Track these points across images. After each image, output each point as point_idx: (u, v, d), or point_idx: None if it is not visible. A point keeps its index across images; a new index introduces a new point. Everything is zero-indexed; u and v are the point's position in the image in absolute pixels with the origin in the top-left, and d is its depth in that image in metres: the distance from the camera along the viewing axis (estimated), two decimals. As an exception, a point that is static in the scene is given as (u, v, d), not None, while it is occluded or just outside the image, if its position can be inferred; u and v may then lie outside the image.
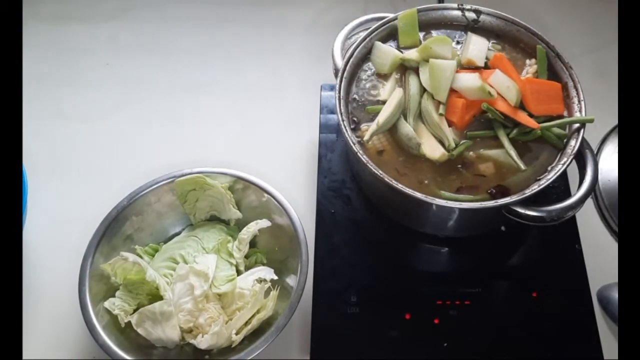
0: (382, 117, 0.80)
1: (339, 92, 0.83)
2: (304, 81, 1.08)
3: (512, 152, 0.78)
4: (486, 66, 0.84)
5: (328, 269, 0.85)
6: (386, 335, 0.79)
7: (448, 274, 0.87)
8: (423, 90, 0.82)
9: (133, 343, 0.76)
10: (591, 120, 0.78)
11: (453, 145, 0.78)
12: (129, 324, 0.76)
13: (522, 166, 0.77)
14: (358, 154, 0.77)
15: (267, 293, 0.79)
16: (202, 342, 0.75)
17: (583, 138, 0.77)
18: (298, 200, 0.87)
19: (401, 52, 0.87)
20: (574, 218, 0.88)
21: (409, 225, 0.87)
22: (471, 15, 0.91)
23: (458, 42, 0.89)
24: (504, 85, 0.80)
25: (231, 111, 1.06)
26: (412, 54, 0.85)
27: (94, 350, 0.78)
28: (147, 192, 0.85)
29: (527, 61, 0.87)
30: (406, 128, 0.80)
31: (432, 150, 0.78)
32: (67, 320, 0.83)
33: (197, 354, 0.77)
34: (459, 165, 0.78)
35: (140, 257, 0.81)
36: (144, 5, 1.22)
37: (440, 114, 0.79)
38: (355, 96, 0.85)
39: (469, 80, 0.79)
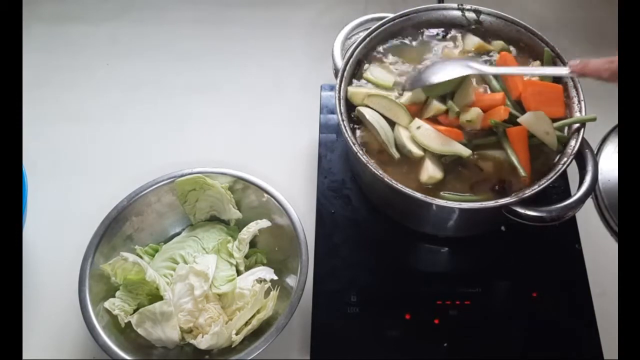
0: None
1: (339, 92, 0.83)
2: (304, 81, 1.08)
3: (514, 158, 0.77)
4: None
5: (328, 269, 0.85)
6: (386, 335, 0.79)
7: (448, 274, 0.87)
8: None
9: (133, 343, 0.76)
10: (593, 119, 0.78)
11: (469, 152, 0.77)
12: (129, 324, 0.76)
13: (522, 172, 0.76)
14: (358, 154, 0.77)
15: (267, 293, 0.79)
16: (202, 342, 0.75)
17: (583, 138, 0.77)
18: (298, 200, 0.87)
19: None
20: (574, 218, 0.88)
21: (409, 225, 0.87)
22: (471, 15, 0.91)
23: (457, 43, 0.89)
24: (542, 131, 0.77)
25: (231, 111, 1.06)
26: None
27: (94, 350, 0.78)
28: (147, 192, 0.85)
29: (531, 62, 0.87)
30: (397, 139, 0.80)
31: (423, 173, 0.78)
32: (67, 320, 0.83)
33: (197, 354, 0.77)
34: (459, 167, 0.78)
35: (140, 257, 0.81)
36: (144, 5, 1.22)
37: (455, 112, 0.79)
38: (355, 96, 0.85)
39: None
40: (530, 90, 0.80)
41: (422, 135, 0.79)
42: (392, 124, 0.81)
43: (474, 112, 0.78)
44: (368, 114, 0.81)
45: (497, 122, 0.78)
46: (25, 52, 1.01)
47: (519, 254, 0.87)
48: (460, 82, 0.81)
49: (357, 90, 0.84)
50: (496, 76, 0.84)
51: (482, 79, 0.85)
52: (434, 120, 0.81)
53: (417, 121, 0.80)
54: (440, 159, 0.78)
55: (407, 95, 0.83)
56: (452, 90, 0.81)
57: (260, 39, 1.16)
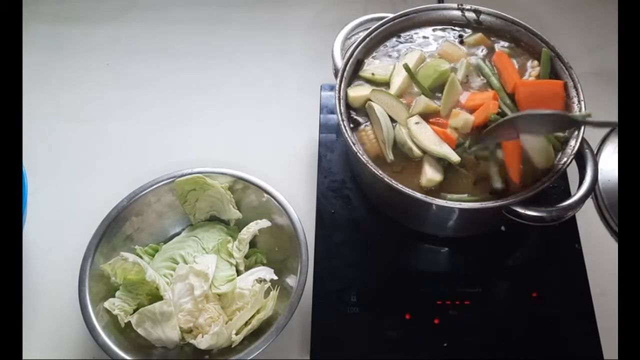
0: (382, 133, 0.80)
1: (339, 92, 0.83)
2: (304, 81, 1.08)
3: (492, 167, 0.77)
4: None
5: (328, 269, 0.85)
6: (386, 335, 0.79)
7: (448, 274, 0.87)
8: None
9: (133, 343, 0.76)
10: (588, 116, 0.77)
11: (458, 159, 0.77)
12: (129, 324, 0.76)
13: (499, 184, 0.76)
14: (358, 154, 0.77)
15: (267, 293, 0.79)
16: (202, 342, 0.75)
17: (583, 138, 0.77)
18: (298, 200, 0.87)
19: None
20: (574, 218, 0.88)
21: (409, 225, 0.87)
22: (471, 15, 0.91)
23: (462, 42, 0.89)
24: (535, 148, 0.76)
25: (231, 111, 1.06)
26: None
27: (94, 350, 0.78)
28: (147, 192, 0.85)
29: (529, 63, 0.86)
30: (398, 136, 0.80)
31: (422, 177, 0.78)
32: (67, 320, 0.83)
33: (197, 354, 0.77)
34: (457, 168, 0.78)
35: (140, 257, 0.81)
36: (144, 6, 1.22)
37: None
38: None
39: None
40: (523, 92, 0.79)
41: (418, 132, 0.78)
42: (393, 122, 0.82)
43: (461, 119, 0.78)
44: (378, 110, 0.81)
45: (497, 117, 0.77)
46: (25, 52, 1.01)
47: (519, 254, 0.87)
48: (446, 81, 0.81)
49: (356, 94, 0.84)
50: (494, 72, 0.84)
51: (479, 75, 0.85)
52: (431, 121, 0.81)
53: (417, 117, 0.80)
54: (439, 161, 0.78)
55: (397, 85, 0.83)
56: (440, 85, 0.82)
57: (260, 39, 1.16)
